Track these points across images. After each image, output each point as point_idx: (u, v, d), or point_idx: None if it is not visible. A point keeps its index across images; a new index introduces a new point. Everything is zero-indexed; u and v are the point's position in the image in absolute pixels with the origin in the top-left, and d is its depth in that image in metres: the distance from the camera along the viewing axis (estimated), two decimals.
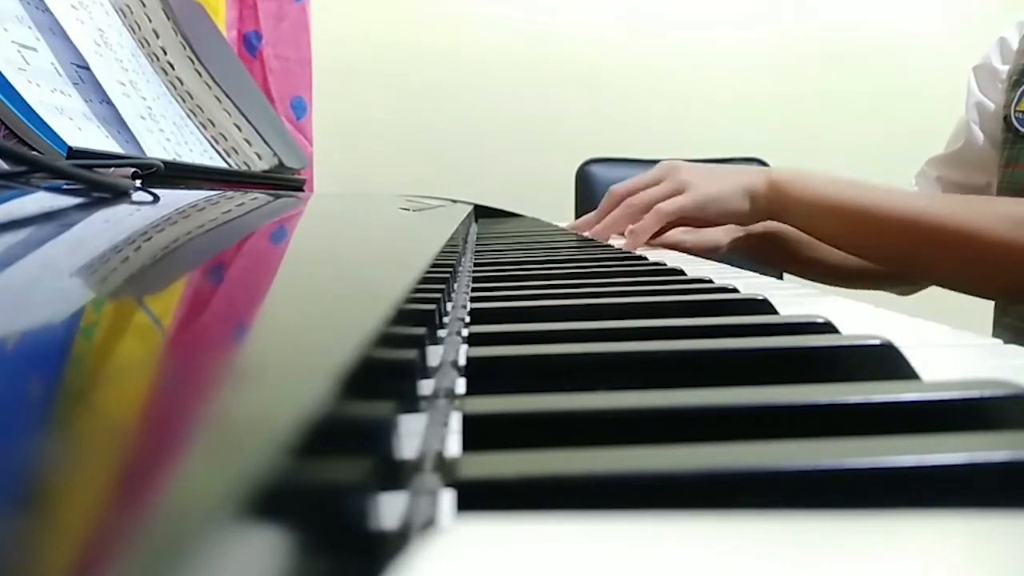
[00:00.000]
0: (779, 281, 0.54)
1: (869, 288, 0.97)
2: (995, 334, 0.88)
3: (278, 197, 0.67)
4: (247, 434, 0.10)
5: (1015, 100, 0.85)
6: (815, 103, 2.20)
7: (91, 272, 0.22)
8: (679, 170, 0.83)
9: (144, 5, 0.81)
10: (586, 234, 0.89)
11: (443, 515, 0.14)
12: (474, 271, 0.52)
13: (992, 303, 0.93)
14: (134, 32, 0.79)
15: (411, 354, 0.21)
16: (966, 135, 0.93)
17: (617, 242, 0.84)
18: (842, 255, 0.89)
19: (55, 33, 0.63)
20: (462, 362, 0.24)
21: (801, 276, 0.98)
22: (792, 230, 0.91)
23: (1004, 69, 0.89)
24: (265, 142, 0.87)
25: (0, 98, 0.53)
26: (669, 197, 0.81)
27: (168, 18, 0.83)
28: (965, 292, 0.76)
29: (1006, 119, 0.86)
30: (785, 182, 0.78)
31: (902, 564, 0.11)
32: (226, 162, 0.82)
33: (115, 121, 0.65)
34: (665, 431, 0.18)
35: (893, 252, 0.75)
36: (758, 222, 0.83)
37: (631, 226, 0.82)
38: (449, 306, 0.35)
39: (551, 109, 2.16)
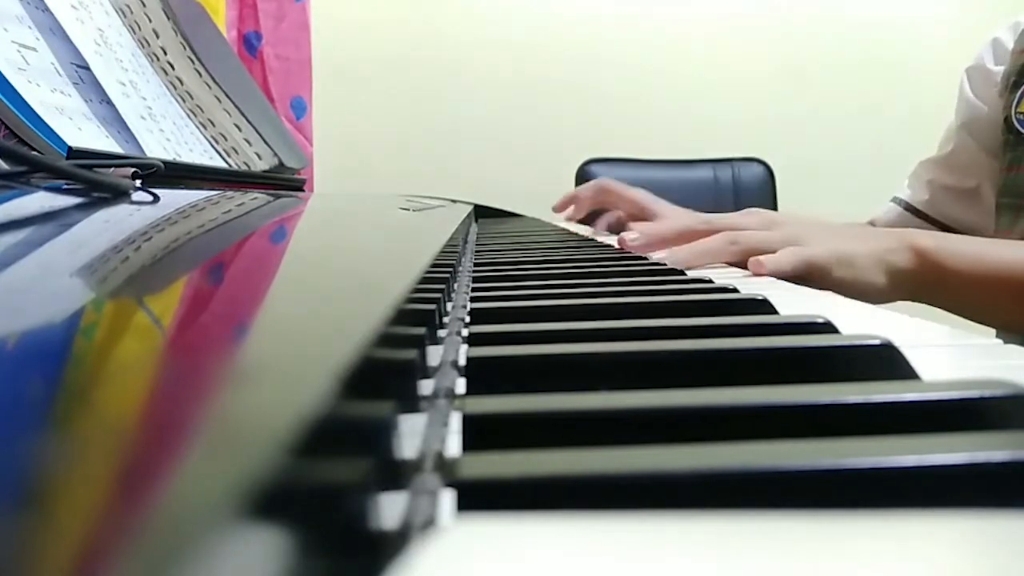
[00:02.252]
0: (779, 281, 0.54)
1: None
2: (996, 334, 0.88)
3: (278, 197, 0.67)
4: (247, 434, 0.10)
5: (1015, 101, 0.84)
6: (816, 103, 2.20)
7: (91, 272, 0.22)
8: (785, 221, 0.64)
9: (144, 5, 0.81)
10: (659, 255, 0.63)
11: (443, 515, 0.14)
12: (474, 271, 0.52)
13: None
14: (134, 32, 0.79)
15: (411, 354, 0.21)
16: (956, 139, 0.92)
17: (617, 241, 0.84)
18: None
19: (55, 33, 0.63)
20: (462, 362, 0.24)
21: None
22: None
23: (997, 71, 0.88)
24: (265, 142, 0.87)
25: (0, 98, 0.53)
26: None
27: (168, 18, 0.83)
28: None
29: (1007, 121, 0.85)
30: (934, 248, 0.61)
31: (902, 564, 0.11)
32: (226, 162, 0.82)
33: (115, 121, 0.65)
34: (665, 431, 0.18)
35: None
36: (893, 298, 0.63)
37: (765, 260, 0.58)
38: (449, 306, 0.35)
39: (551, 109, 2.16)
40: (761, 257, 0.57)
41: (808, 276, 0.58)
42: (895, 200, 0.98)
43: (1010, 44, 0.88)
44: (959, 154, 0.92)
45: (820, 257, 0.59)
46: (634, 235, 0.69)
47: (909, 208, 0.96)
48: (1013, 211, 0.82)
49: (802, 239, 0.61)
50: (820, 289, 0.53)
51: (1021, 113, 0.84)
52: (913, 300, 0.63)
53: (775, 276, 0.56)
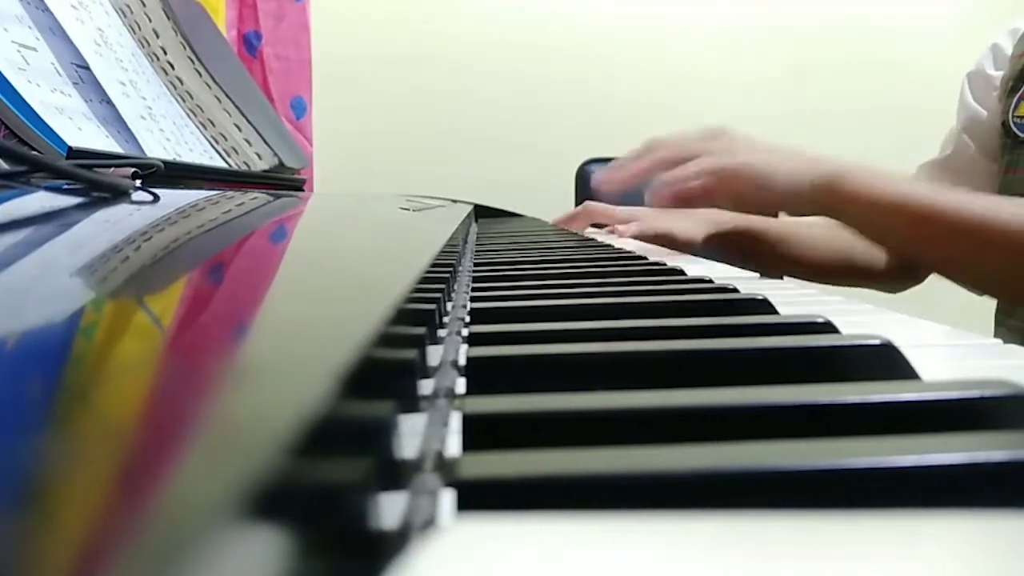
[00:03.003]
0: (779, 281, 0.54)
1: (851, 286, 0.95)
2: (996, 334, 0.88)
3: (278, 197, 0.67)
4: (247, 434, 0.10)
5: (1013, 105, 0.85)
6: (816, 103, 2.20)
7: (91, 272, 0.22)
8: (726, 133, 0.76)
9: (144, 5, 0.81)
10: (607, 183, 0.80)
11: (443, 515, 0.14)
12: (474, 271, 0.52)
13: (994, 304, 0.92)
14: (134, 32, 0.79)
15: (411, 354, 0.21)
16: (955, 142, 0.93)
17: (617, 242, 0.84)
18: (821, 255, 0.88)
19: (55, 33, 0.63)
20: (462, 362, 0.24)
21: (781, 272, 0.96)
22: (770, 227, 0.91)
23: (997, 75, 0.89)
24: (265, 142, 0.87)
25: (0, 98, 0.53)
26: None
27: (168, 18, 0.83)
28: None
29: (1004, 124, 0.86)
30: (847, 176, 0.70)
31: (902, 564, 0.11)
32: (226, 162, 0.82)
33: (115, 121, 0.65)
34: (665, 431, 0.18)
35: (964, 260, 0.69)
36: (808, 215, 0.75)
37: (673, 172, 0.72)
38: (449, 306, 0.35)
39: (551, 109, 2.16)
40: (671, 173, 0.70)
41: (732, 179, 0.70)
42: None
43: (1009, 49, 0.89)
44: (958, 157, 0.93)
45: (747, 168, 0.70)
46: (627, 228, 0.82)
47: None
48: None
49: (742, 151, 0.73)
50: (747, 201, 0.70)
51: (1019, 117, 0.84)
52: (826, 215, 0.72)
53: (682, 191, 0.69)
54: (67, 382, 0.13)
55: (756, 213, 0.85)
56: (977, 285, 0.76)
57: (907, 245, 0.72)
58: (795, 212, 0.75)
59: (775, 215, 0.88)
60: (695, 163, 0.71)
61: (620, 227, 0.88)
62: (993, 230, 0.64)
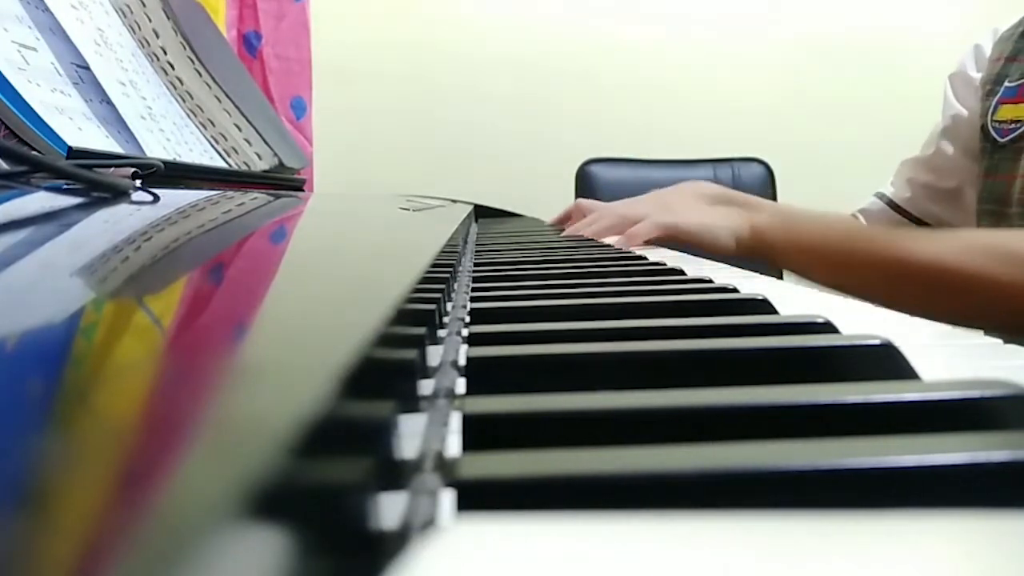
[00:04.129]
0: (779, 281, 0.54)
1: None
2: (986, 333, 0.89)
3: (278, 197, 0.67)
4: (247, 434, 0.10)
5: (991, 109, 0.85)
6: (816, 103, 2.20)
7: (91, 272, 0.22)
8: (664, 194, 0.90)
9: (144, 5, 0.81)
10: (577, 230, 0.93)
11: (443, 515, 0.14)
12: (474, 271, 0.52)
13: None
14: (134, 32, 0.79)
15: (411, 354, 0.21)
16: (937, 142, 0.94)
17: (617, 241, 0.84)
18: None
19: (55, 33, 0.63)
20: (462, 362, 0.24)
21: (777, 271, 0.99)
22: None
23: (978, 77, 0.89)
24: (265, 142, 0.87)
25: (0, 98, 0.53)
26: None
27: (168, 18, 0.83)
28: (950, 323, 0.76)
29: (983, 128, 0.86)
30: (766, 229, 0.82)
31: (902, 564, 0.11)
32: (226, 162, 0.82)
33: (115, 121, 0.65)
34: (665, 431, 0.18)
35: (880, 293, 0.74)
36: (741, 257, 0.85)
37: (631, 230, 0.84)
38: (449, 306, 0.35)
39: (551, 109, 2.16)
40: (633, 229, 0.83)
41: (674, 239, 0.84)
42: (878, 195, 1.00)
43: (989, 51, 0.89)
44: (939, 157, 0.94)
45: (681, 225, 0.84)
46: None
47: (891, 204, 0.98)
48: (994, 217, 0.84)
49: (673, 210, 0.86)
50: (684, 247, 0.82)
51: (996, 121, 0.85)
52: (755, 260, 0.81)
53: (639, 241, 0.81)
54: (67, 382, 0.13)
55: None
56: (905, 312, 0.79)
57: (829, 282, 0.77)
58: (732, 255, 0.85)
59: None
60: (642, 227, 0.84)
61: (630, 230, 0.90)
62: (908, 266, 0.70)
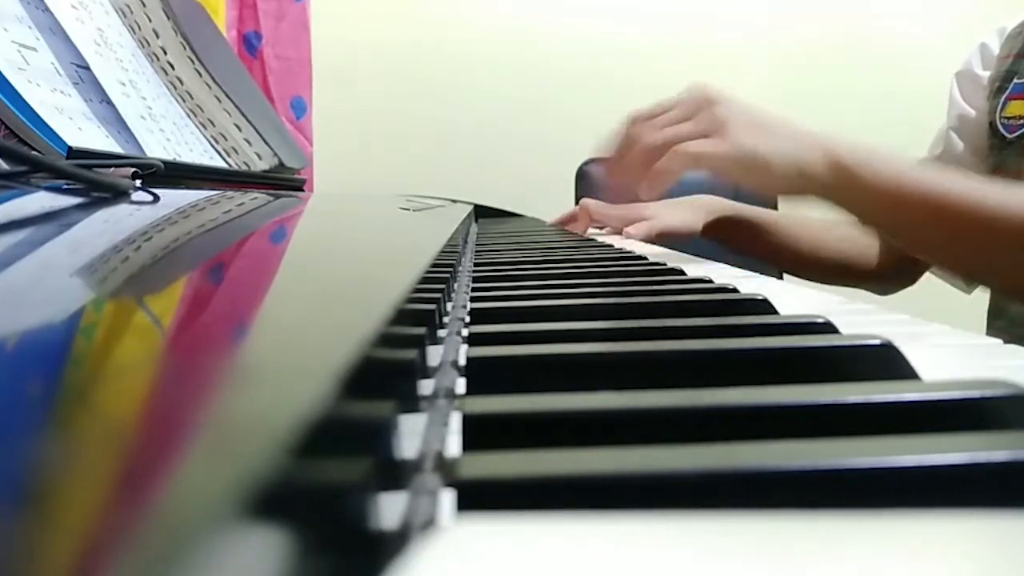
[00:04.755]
0: (780, 282, 0.54)
1: (842, 285, 0.94)
2: (989, 333, 0.88)
3: (278, 197, 0.67)
4: (247, 434, 0.10)
5: (999, 106, 0.85)
6: (816, 103, 2.20)
7: (91, 272, 0.22)
8: (716, 104, 0.66)
9: (144, 5, 0.81)
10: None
11: (443, 515, 0.14)
12: (474, 271, 0.52)
13: (985, 306, 0.93)
14: (134, 32, 0.79)
15: (411, 354, 0.21)
16: (945, 142, 0.93)
17: (618, 241, 0.84)
18: (814, 250, 0.88)
19: (55, 33, 0.63)
20: (462, 362, 0.24)
21: (773, 266, 0.97)
22: (765, 217, 0.90)
23: (985, 75, 0.89)
24: (265, 142, 0.87)
25: (0, 98, 0.53)
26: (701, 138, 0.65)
27: (168, 18, 0.83)
28: None
29: (991, 125, 0.86)
30: (854, 165, 0.62)
31: (903, 564, 0.11)
32: (226, 162, 0.82)
33: (115, 121, 0.65)
34: (665, 431, 0.18)
35: (959, 244, 0.64)
36: (805, 196, 0.67)
37: (660, 165, 0.65)
38: (449, 306, 0.35)
39: (551, 109, 2.16)
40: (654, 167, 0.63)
41: (716, 172, 0.63)
42: None
43: (997, 49, 0.89)
44: (947, 157, 0.93)
45: (726, 157, 0.62)
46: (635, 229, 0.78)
47: None
48: None
49: (725, 128, 0.63)
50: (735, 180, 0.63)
51: (1005, 118, 0.85)
52: (825, 202, 0.65)
53: (664, 186, 0.63)
54: (67, 382, 0.13)
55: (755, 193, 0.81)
56: (976, 274, 0.73)
57: (912, 234, 0.66)
58: (792, 196, 0.69)
59: (774, 199, 0.87)
60: (677, 155, 0.64)
61: (629, 229, 0.88)
62: (1005, 220, 0.59)
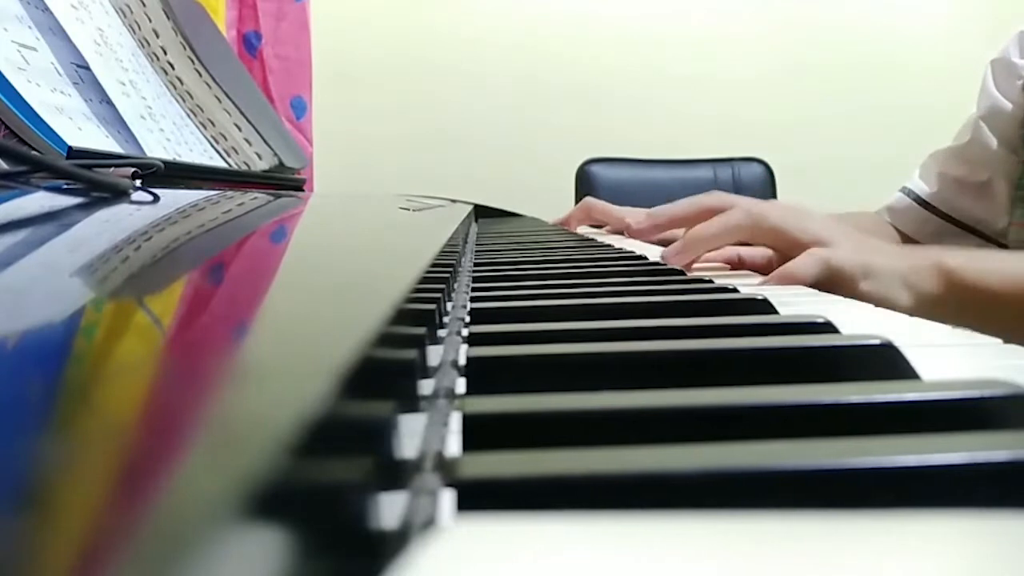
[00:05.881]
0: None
1: None
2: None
3: (278, 197, 0.67)
4: (247, 434, 0.10)
5: None
6: (816, 102, 2.20)
7: (91, 272, 0.22)
8: (807, 214, 0.60)
9: (144, 5, 0.81)
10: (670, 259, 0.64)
11: (443, 515, 0.14)
12: (474, 271, 0.52)
13: None
14: (134, 32, 0.79)
15: (411, 354, 0.21)
16: (974, 130, 0.91)
17: (618, 241, 0.84)
18: None
19: (55, 33, 0.63)
20: (462, 362, 0.24)
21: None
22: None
23: (1022, 64, 0.88)
24: (265, 142, 0.87)
25: (0, 98, 0.53)
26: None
27: (168, 18, 0.83)
28: None
29: None
30: (962, 270, 0.57)
31: (902, 564, 0.11)
32: (226, 162, 0.82)
33: (115, 121, 0.65)
34: (665, 431, 0.18)
35: None
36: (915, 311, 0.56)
37: (792, 268, 0.55)
38: (449, 306, 0.35)
39: (551, 109, 2.16)
40: (788, 266, 0.54)
41: (832, 283, 0.54)
42: (904, 191, 0.97)
43: None
44: (975, 146, 0.91)
45: (848, 264, 0.55)
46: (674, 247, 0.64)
47: (917, 200, 0.95)
48: None
49: (828, 240, 0.57)
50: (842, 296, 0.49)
51: None
52: (939, 320, 0.57)
53: (801, 283, 0.52)
54: (67, 382, 0.13)
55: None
56: None
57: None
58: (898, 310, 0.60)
59: None
60: (817, 254, 0.56)
61: (629, 221, 0.85)
62: None
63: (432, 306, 0.29)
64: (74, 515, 0.07)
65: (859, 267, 0.55)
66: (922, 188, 0.95)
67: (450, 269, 0.41)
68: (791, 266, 0.54)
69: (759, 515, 0.12)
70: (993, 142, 0.90)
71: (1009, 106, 0.88)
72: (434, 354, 0.25)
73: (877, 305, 0.50)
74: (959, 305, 0.56)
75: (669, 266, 0.53)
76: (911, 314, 0.54)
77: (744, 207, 0.59)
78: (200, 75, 0.84)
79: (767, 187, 1.87)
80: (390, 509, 0.13)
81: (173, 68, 0.82)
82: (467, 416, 0.18)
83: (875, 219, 0.97)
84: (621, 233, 0.91)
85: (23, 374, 0.12)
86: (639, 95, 2.18)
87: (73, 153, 0.52)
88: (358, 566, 0.12)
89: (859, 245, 0.58)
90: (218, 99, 0.84)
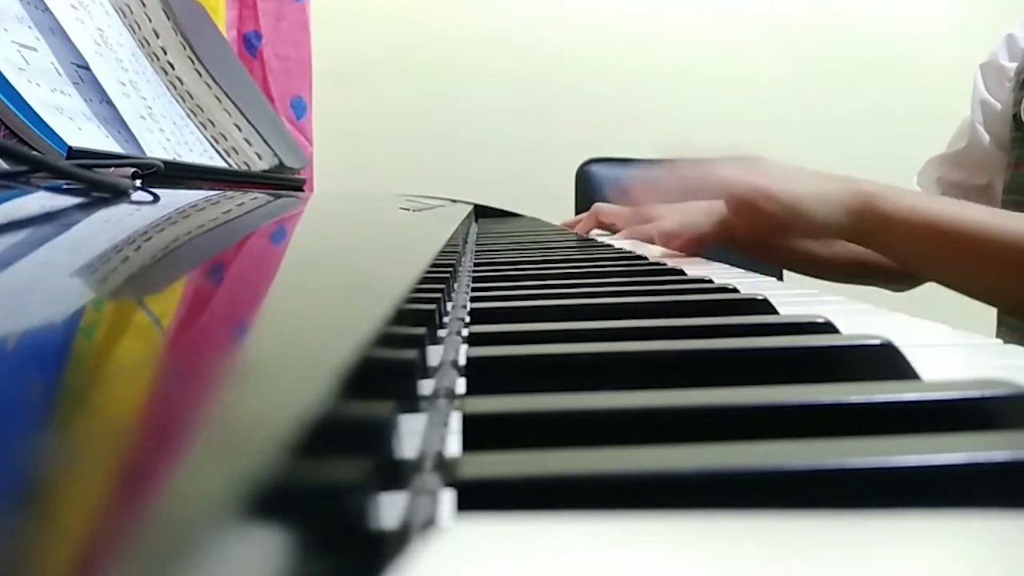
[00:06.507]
0: (779, 282, 0.54)
1: (855, 283, 0.94)
2: (999, 334, 0.88)
3: (278, 197, 0.67)
4: (247, 434, 0.10)
5: None
6: (817, 102, 2.20)
7: (91, 272, 0.22)
8: (755, 158, 0.72)
9: (144, 5, 0.81)
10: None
11: (443, 515, 0.14)
12: (474, 271, 0.52)
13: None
14: (134, 32, 0.79)
15: (411, 354, 0.21)
16: (970, 135, 0.92)
17: (618, 241, 0.84)
18: (830, 248, 0.87)
19: (55, 33, 0.63)
20: (462, 362, 0.24)
21: (785, 267, 0.96)
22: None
23: (1011, 67, 0.88)
24: (265, 142, 0.87)
25: (0, 98, 0.53)
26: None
27: (168, 18, 0.83)
28: None
29: (1015, 117, 0.85)
30: (881, 199, 0.65)
31: (902, 564, 0.11)
32: (226, 162, 0.82)
33: (115, 121, 0.65)
34: (665, 431, 0.18)
35: (993, 281, 0.66)
36: (842, 238, 0.71)
37: (695, 190, 0.72)
38: (449, 306, 0.35)
39: (551, 109, 2.16)
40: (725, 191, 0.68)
41: (755, 203, 0.66)
42: None
43: (1023, 41, 0.88)
44: (972, 150, 0.92)
45: (772, 190, 0.65)
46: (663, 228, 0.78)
47: None
48: (1018, 208, 0.82)
49: (769, 173, 0.68)
50: (771, 224, 0.67)
51: None
52: (855, 242, 0.69)
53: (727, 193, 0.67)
54: (67, 382, 0.13)
55: (782, 240, 0.82)
56: (1010, 305, 0.75)
57: (951, 269, 0.68)
58: (826, 236, 0.73)
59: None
60: (724, 173, 0.68)
61: (625, 233, 0.87)
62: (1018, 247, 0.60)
63: (432, 306, 0.29)
64: (74, 515, 0.07)
65: (783, 189, 0.66)
66: None
67: (450, 269, 0.41)
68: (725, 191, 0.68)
69: (759, 515, 0.12)
70: (990, 145, 0.90)
71: (999, 106, 0.89)
72: (434, 354, 0.25)
73: (800, 224, 0.66)
74: (872, 228, 0.66)
75: (669, 266, 0.53)
76: (831, 233, 0.67)
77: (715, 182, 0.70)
78: (200, 75, 0.84)
79: None
80: (390, 509, 0.13)
81: (173, 68, 0.82)
82: (467, 416, 0.18)
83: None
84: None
85: (23, 374, 0.12)
86: (640, 95, 2.18)
87: (73, 153, 0.52)
88: (358, 566, 0.12)
89: (789, 173, 0.69)
90: (218, 99, 0.84)
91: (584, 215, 1.05)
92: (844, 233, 0.68)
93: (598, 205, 1.02)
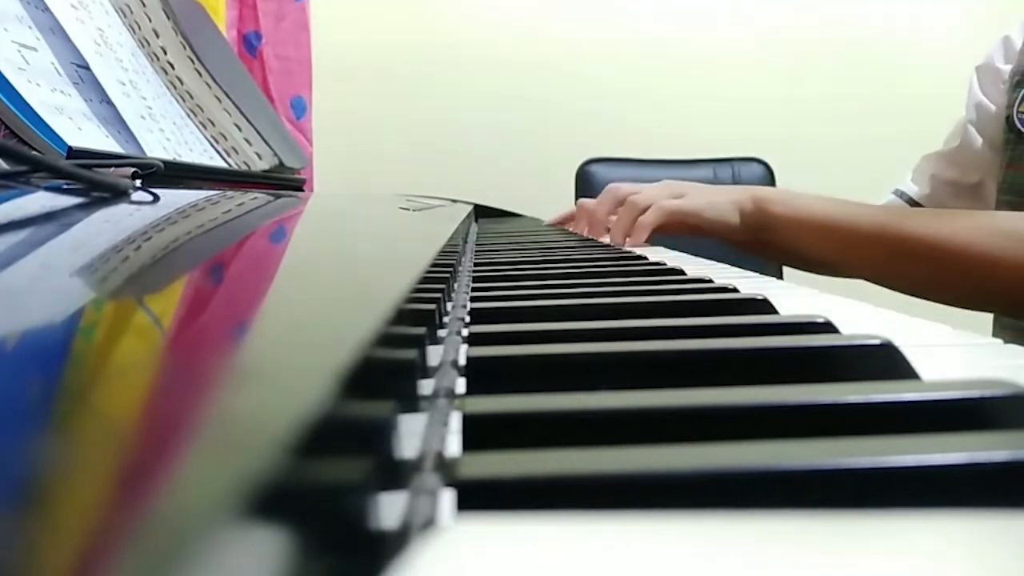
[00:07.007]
0: (779, 281, 0.54)
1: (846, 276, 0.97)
2: (995, 333, 0.88)
3: (278, 197, 0.67)
4: (247, 434, 0.10)
5: (1018, 100, 0.85)
6: (817, 102, 2.20)
7: (91, 272, 0.22)
8: (675, 182, 0.90)
9: (144, 5, 0.81)
10: (582, 231, 0.93)
11: (443, 515, 0.14)
12: (474, 271, 0.52)
13: None
14: (134, 32, 0.79)
15: (411, 354, 0.21)
16: (963, 135, 0.93)
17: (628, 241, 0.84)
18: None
19: (55, 33, 0.63)
20: (462, 362, 0.24)
21: (780, 262, 1.00)
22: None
23: (1007, 69, 0.89)
24: (265, 142, 0.87)
25: (0, 98, 0.53)
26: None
27: (168, 18, 0.83)
28: (946, 303, 0.77)
29: (1008, 119, 0.86)
30: (767, 200, 0.82)
31: (902, 564, 0.11)
32: (226, 162, 0.82)
33: (115, 121, 0.65)
34: (665, 431, 0.18)
35: (882, 272, 0.77)
36: (745, 237, 0.85)
37: (640, 219, 0.84)
38: (449, 306, 0.35)
39: (551, 109, 2.16)
40: (640, 219, 0.82)
41: (679, 229, 0.84)
42: (896, 192, 0.99)
43: (1020, 43, 0.88)
44: (965, 150, 0.92)
45: (686, 207, 0.83)
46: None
47: (910, 201, 0.97)
48: (1013, 208, 0.83)
49: (684, 192, 0.85)
50: (690, 228, 0.84)
51: (1022, 112, 0.84)
52: (756, 243, 0.83)
53: (645, 237, 0.81)
54: (67, 382, 0.13)
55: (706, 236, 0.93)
56: (903, 291, 0.83)
57: (831, 258, 0.80)
58: (735, 236, 0.85)
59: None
60: (654, 209, 0.83)
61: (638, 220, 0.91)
62: (914, 243, 0.70)
63: (432, 306, 0.29)
64: (74, 515, 0.07)
65: (704, 202, 0.83)
66: (914, 190, 0.97)
67: (450, 269, 0.41)
68: (641, 219, 0.82)
69: (759, 515, 0.12)
70: (983, 146, 0.91)
71: (994, 108, 0.89)
72: (434, 354, 0.25)
73: (716, 228, 0.83)
74: (762, 226, 0.81)
75: (669, 266, 0.53)
76: (739, 235, 0.83)
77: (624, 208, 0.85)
78: (200, 75, 0.84)
79: (767, 187, 1.87)
80: (390, 509, 0.13)
81: (173, 68, 0.82)
82: (467, 416, 0.18)
83: (854, 201, 0.98)
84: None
85: (23, 374, 0.12)
86: (639, 95, 2.18)
87: (73, 153, 0.52)
88: (358, 566, 0.12)
89: (704, 191, 0.86)
90: (218, 99, 0.84)
91: (570, 211, 1.07)
92: (743, 232, 0.82)
93: (583, 201, 1.03)
